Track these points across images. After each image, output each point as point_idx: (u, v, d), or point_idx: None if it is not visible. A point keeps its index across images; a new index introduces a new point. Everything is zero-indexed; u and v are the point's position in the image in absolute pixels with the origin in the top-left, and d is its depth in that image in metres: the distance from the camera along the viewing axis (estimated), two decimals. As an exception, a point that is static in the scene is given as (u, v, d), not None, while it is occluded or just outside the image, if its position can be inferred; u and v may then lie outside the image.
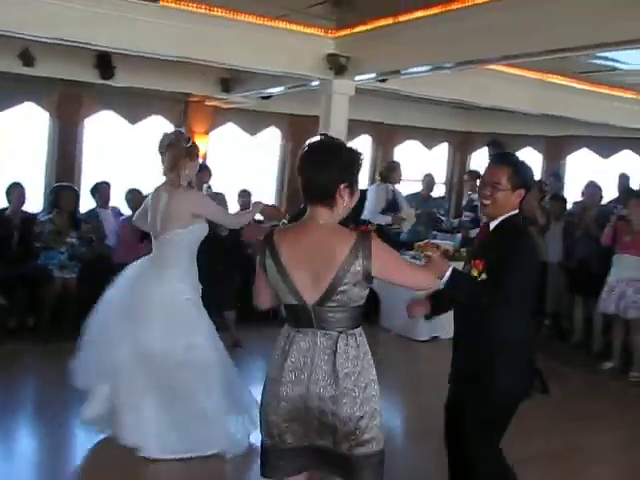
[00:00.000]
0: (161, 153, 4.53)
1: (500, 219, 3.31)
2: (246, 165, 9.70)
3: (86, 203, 8.11)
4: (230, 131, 9.56)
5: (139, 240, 7.61)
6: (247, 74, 7.38)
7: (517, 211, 3.33)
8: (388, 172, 8.56)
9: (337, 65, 5.70)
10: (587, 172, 10.29)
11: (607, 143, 10.36)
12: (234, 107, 9.19)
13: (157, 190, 4.64)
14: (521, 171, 3.32)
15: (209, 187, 7.52)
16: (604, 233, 7.26)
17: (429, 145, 11.42)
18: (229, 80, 7.88)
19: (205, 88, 8.22)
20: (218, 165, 8.70)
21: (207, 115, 9.37)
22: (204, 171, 7.72)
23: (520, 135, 10.80)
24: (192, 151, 4.52)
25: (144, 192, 7.95)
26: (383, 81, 6.06)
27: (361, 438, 2.66)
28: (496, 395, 3.24)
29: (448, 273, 3.06)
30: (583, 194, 8.25)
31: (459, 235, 9.87)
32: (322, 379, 2.66)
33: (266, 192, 9.70)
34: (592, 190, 8.09)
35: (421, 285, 2.96)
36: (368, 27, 5.44)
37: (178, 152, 4.47)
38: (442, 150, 11.81)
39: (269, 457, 2.79)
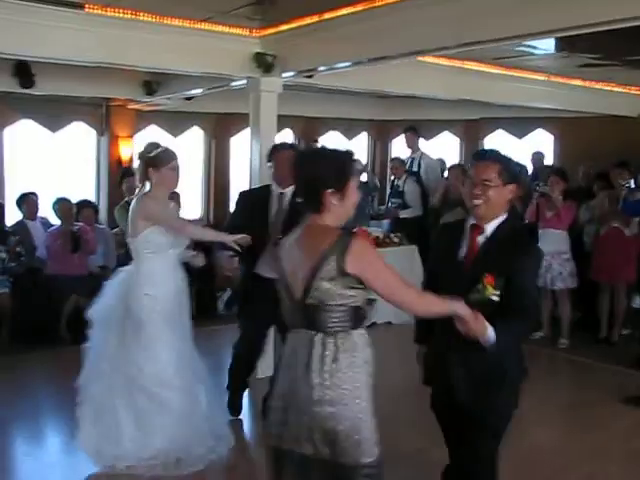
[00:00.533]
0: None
1: (496, 223, 3.18)
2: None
3: (12, 215, 7.93)
4: (153, 134, 9.50)
5: (71, 251, 7.53)
6: (170, 76, 7.37)
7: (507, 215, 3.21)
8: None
9: (265, 64, 5.78)
10: (504, 152, 10.69)
11: (521, 124, 10.78)
12: (156, 109, 9.14)
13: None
14: (510, 165, 3.21)
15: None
16: (527, 210, 7.60)
17: (349, 135, 11.60)
18: (152, 83, 7.83)
19: (128, 92, 8.14)
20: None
21: (129, 119, 9.30)
22: (134, 176, 7.66)
23: (438, 120, 11.11)
24: (155, 160, 4.53)
25: (72, 200, 7.87)
26: (310, 77, 6.14)
27: (339, 449, 2.66)
28: (513, 393, 3.21)
29: (491, 336, 2.85)
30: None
31: (385, 222, 10.10)
32: (301, 381, 2.70)
33: (192, 193, 9.70)
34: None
35: (415, 309, 2.84)
36: (293, 25, 5.53)
37: (142, 163, 4.58)
38: (362, 140, 12.01)
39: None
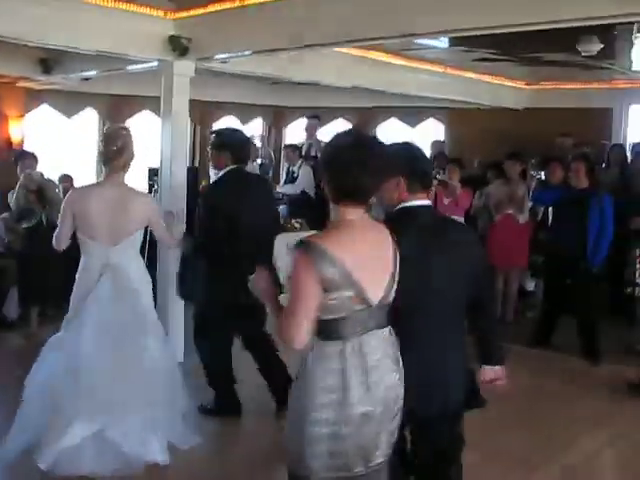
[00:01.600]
0: (114, 151, 4.31)
1: None
2: (64, 149, 9.31)
3: None
4: (46, 114, 9.12)
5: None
6: (68, 54, 7.06)
7: None
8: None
9: (180, 47, 5.67)
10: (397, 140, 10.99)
11: (413, 113, 11.12)
12: (49, 88, 8.77)
13: (99, 190, 4.43)
14: None
15: (41, 174, 7.18)
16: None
17: (245, 120, 11.57)
18: (49, 60, 7.49)
19: (22, 69, 7.76)
20: (36, 150, 8.28)
21: (19, 97, 8.87)
22: (30, 158, 7.38)
23: (332, 107, 11.28)
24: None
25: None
26: (225, 62, 6.10)
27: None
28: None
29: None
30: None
31: (282, 207, 10.15)
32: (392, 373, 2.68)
33: (86, 176, 9.38)
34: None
35: None
36: (210, 9, 5.48)
37: (132, 152, 4.37)
38: (257, 125, 12.01)
39: None
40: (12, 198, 7.11)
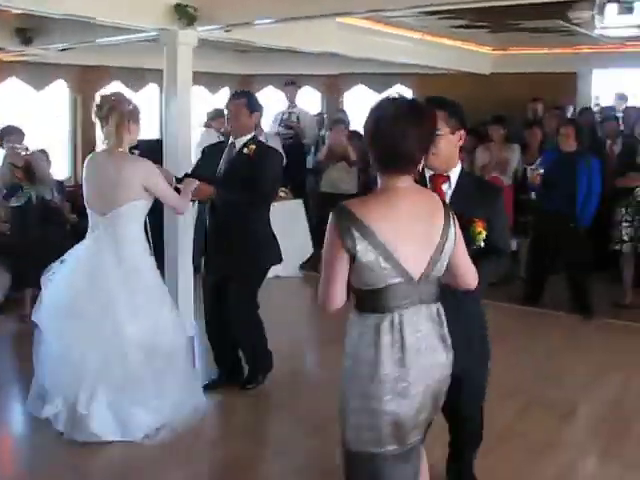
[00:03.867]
0: (100, 118, 4.22)
1: (456, 172, 3.26)
2: (35, 122, 9.01)
3: None
4: (14, 86, 8.79)
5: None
6: (49, 23, 6.79)
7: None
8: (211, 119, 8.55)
9: (187, 16, 5.55)
10: (365, 107, 11.06)
11: (380, 79, 11.17)
12: (16, 60, 8.44)
13: (95, 159, 4.34)
14: (457, 111, 3.24)
15: (26, 149, 6.97)
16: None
17: (213, 90, 11.41)
18: (27, 30, 7.19)
19: (-3, 40, 7.42)
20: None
21: (-15, 70, 8.51)
22: (16, 133, 7.16)
23: (300, 75, 11.21)
24: (136, 113, 4.26)
25: None
26: (228, 32, 6.02)
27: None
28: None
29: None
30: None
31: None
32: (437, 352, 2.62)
33: (59, 149, 9.15)
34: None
35: (473, 284, 2.78)
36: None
37: (121, 115, 4.20)
38: (224, 94, 11.83)
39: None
40: (-4, 174, 6.88)
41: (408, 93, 11.28)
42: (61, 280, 4.28)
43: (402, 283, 2.51)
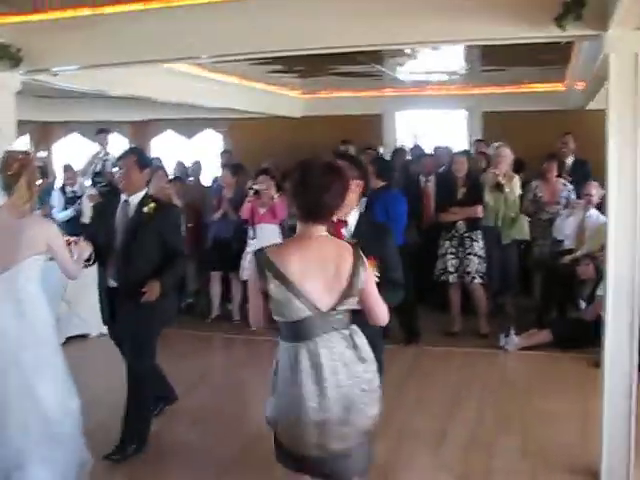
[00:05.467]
0: (10, 176, 3.97)
1: (355, 216, 3.63)
2: None
3: None
4: None
5: None
6: None
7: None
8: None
9: (10, 56, 5.03)
10: (173, 152, 10.86)
11: (190, 124, 11.02)
12: None
13: None
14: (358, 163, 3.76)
15: None
16: (242, 208, 7.83)
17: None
18: None
19: None
20: None
21: None
22: None
23: (104, 121, 10.72)
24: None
25: None
26: (55, 75, 5.58)
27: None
28: None
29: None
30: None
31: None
32: (349, 377, 2.87)
33: None
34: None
35: (383, 320, 3.06)
36: (44, 17, 4.97)
37: (33, 175, 4.03)
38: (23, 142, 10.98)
39: None
40: None
41: (219, 138, 11.24)
42: None
43: (312, 316, 2.82)
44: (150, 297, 4.51)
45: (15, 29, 5.22)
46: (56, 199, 8.92)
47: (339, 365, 2.85)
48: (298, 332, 2.86)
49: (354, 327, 2.97)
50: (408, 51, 6.60)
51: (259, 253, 2.85)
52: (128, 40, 5.07)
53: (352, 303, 2.89)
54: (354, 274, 2.84)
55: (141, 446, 4.76)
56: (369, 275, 2.92)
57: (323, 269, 2.82)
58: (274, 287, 2.80)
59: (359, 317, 3.04)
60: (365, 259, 2.92)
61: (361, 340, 2.96)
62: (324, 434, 2.85)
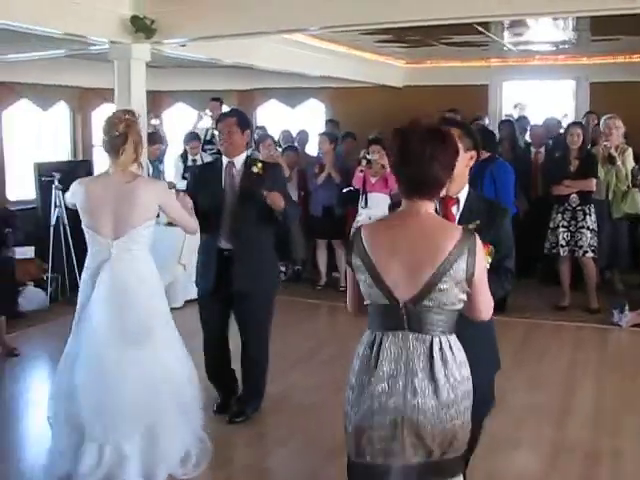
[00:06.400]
0: (116, 137, 3.83)
1: (464, 193, 3.09)
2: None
3: None
4: None
5: None
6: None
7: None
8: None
9: (145, 28, 5.22)
10: (277, 122, 10.99)
11: (293, 94, 11.12)
12: None
13: (105, 180, 3.97)
14: (471, 131, 3.21)
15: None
16: (354, 177, 7.94)
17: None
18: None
19: None
20: None
21: None
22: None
23: (209, 90, 10.92)
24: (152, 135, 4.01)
25: None
26: (184, 46, 5.76)
27: (455, 446, 2.54)
28: None
29: None
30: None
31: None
32: (420, 388, 2.45)
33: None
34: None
35: (486, 314, 2.62)
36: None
37: (139, 136, 3.91)
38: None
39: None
40: None
41: (321, 107, 11.32)
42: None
43: (387, 305, 2.50)
44: (274, 199, 4.44)
45: (149, 2, 5.41)
46: (175, 167, 9.08)
47: (400, 384, 2.45)
48: (380, 319, 2.53)
49: (452, 339, 2.53)
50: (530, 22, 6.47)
51: (356, 229, 2.58)
52: (250, 12, 5.21)
53: (442, 299, 2.45)
54: (450, 261, 2.41)
55: (258, 405, 4.89)
56: (479, 262, 2.48)
57: (409, 252, 2.44)
58: (357, 265, 2.53)
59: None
60: (479, 246, 2.49)
61: (448, 358, 2.48)
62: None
